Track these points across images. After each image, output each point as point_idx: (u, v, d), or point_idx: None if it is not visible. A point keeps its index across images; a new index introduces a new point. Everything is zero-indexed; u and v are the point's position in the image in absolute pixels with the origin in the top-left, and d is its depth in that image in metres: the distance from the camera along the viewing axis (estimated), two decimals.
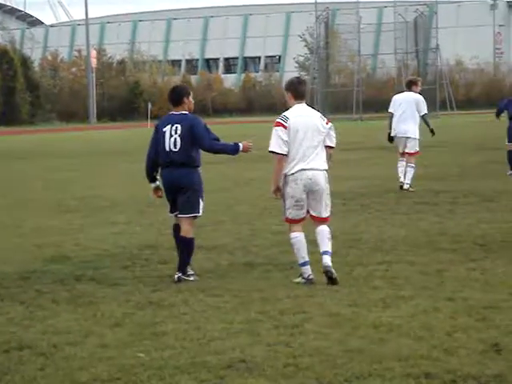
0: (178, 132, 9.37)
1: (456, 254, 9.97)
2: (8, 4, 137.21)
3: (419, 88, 17.68)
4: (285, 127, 9.01)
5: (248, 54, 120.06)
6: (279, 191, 9.14)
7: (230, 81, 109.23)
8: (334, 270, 8.70)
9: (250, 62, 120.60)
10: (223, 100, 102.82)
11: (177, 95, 9.66)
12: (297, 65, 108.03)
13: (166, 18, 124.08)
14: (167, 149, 9.38)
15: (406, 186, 16.90)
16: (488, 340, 6.35)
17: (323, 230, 9.03)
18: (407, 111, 17.31)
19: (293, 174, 8.99)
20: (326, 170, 9.18)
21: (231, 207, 15.16)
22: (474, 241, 10.74)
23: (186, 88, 9.94)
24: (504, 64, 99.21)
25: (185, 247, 9.32)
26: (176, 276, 9.05)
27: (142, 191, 18.56)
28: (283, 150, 8.97)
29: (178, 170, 9.33)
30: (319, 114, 9.40)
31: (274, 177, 9.17)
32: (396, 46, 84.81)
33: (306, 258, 8.95)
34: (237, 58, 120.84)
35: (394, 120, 17.50)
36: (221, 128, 57.95)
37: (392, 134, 17.70)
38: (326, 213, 9.13)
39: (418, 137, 17.54)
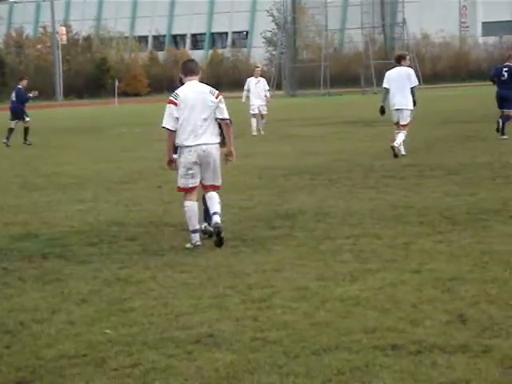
0: None
1: (423, 226, 10.04)
2: None
3: (408, 62, 18.84)
4: (175, 104, 9.58)
5: (215, 29, 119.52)
6: (173, 163, 9.78)
7: (198, 57, 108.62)
8: (222, 229, 9.40)
9: (217, 38, 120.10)
10: None
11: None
12: (264, 40, 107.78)
13: None
14: None
15: (395, 144, 18.03)
16: (453, 311, 6.41)
17: (214, 195, 9.77)
18: (400, 85, 18.25)
19: (186, 146, 9.59)
20: (217, 143, 9.73)
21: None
22: (441, 213, 10.82)
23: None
24: (470, 38, 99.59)
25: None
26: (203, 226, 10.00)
27: (108, 168, 18.49)
28: (174, 126, 9.57)
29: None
30: (209, 88, 9.77)
31: (166, 151, 9.82)
32: (363, 20, 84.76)
33: (197, 226, 9.65)
34: (204, 34, 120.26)
35: (390, 94, 18.51)
36: None
37: (390, 108, 18.65)
38: (217, 182, 9.87)
39: (411, 108, 18.53)
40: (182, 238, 10.00)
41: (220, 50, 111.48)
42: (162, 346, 5.87)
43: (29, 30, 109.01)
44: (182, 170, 9.69)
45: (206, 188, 9.83)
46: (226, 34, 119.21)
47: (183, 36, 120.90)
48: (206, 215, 10.05)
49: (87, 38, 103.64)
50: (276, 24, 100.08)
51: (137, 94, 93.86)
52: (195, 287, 7.57)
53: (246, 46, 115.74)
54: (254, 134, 28.47)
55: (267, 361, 5.51)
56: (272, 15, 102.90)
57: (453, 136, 23.07)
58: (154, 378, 5.30)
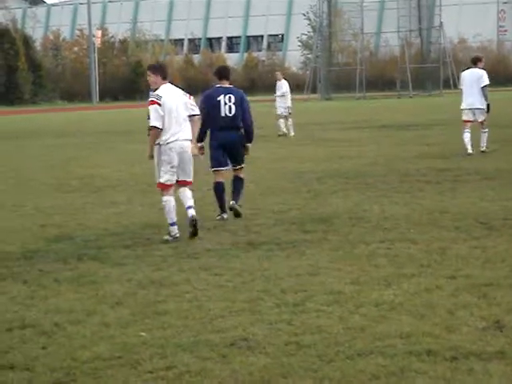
0: (232, 101, 11.78)
1: (458, 231, 9.96)
2: None
3: (483, 64, 19.61)
4: (159, 104, 10.46)
5: (251, 32, 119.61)
6: (152, 158, 10.71)
7: (233, 60, 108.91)
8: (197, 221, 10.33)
9: (252, 41, 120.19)
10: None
11: (228, 71, 12.27)
12: (300, 44, 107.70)
13: None
14: (222, 114, 11.75)
15: (483, 149, 19.22)
16: (489, 317, 6.35)
17: (187, 190, 10.67)
18: (474, 85, 19.06)
19: (168, 143, 10.46)
20: (190, 139, 10.73)
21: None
22: (476, 219, 10.73)
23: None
24: (508, 42, 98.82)
25: (240, 184, 12.11)
26: (231, 202, 11.76)
27: (143, 171, 18.56)
28: (161, 125, 10.45)
29: (232, 132, 11.83)
30: (182, 91, 10.88)
31: (149, 147, 10.68)
32: (399, 24, 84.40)
33: (174, 219, 10.45)
34: (239, 37, 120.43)
35: (463, 94, 19.37)
36: None
37: (461, 107, 19.45)
38: (191, 178, 10.78)
39: (483, 107, 19.23)
40: (216, 240, 10.01)
41: (255, 53, 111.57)
42: (196, 349, 5.87)
43: (66, 33, 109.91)
44: (166, 167, 10.48)
45: (180, 183, 10.65)
46: (262, 37, 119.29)
47: (219, 39, 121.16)
48: (236, 194, 11.94)
49: (123, 41, 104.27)
50: (312, 27, 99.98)
51: None
52: (229, 290, 7.56)
53: (281, 50, 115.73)
54: (280, 133, 29.42)
55: (301, 365, 5.49)
56: (308, 18, 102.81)
57: (489, 140, 22.86)
58: (189, 381, 5.31)
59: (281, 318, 6.57)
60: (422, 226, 10.40)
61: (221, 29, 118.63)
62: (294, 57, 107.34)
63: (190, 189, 10.76)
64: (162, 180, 10.55)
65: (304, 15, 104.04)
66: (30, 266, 8.90)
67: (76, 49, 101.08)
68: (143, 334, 6.27)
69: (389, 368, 5.35)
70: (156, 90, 10.61)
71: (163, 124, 10.43)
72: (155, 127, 10.45)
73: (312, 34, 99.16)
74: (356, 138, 26.22)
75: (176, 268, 8.56)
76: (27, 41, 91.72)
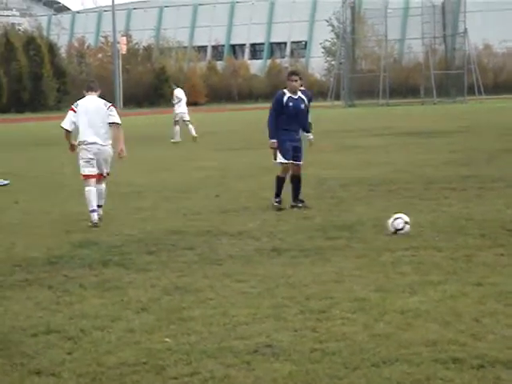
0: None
1: (484, 239, 9.91)
2: None
3: None
4: (74, 111, 12.61)
5: (274, 39, 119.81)
6: (74, 148, 12.73)
7: (256, 67, 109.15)
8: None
9: (275, 48, 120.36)
10: (249, 86, 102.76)
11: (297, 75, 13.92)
12: (323, 50, 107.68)
13: (192, 3, 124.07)
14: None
15: None
16: None
17: (103, 188, 12.70)
18: None
19: (88, 143, 12.44)
20: (107, 144, 12.54)
21: (257, 193, 15.15)
22: (502, 226, 10.66)
23: None
24: None
25: (299, 183, 13.39)
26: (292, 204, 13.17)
27: (167, 177, 18.62)
28: (70, 127, 12.56)
29: (297, 133, 13.63)
30: (103, 101, 12.72)
31: (67, 141, 12.76)
32: (423, 30, 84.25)
33: (95, 207, 12.24)
34: (263, 44, 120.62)
35: None
36: (246, 114, 58.19)
37: None
38: (106, 170, 12.70)
39: None
40: (240, 247, 10.01)
41: (278, 60, 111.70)
42: (220, 356, 5.87)
43: (90, 40, 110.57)
44: (83, 161, 12.58)
45: (99, 177, 12.68)
46: (285, 43, 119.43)
47: (242, 46, 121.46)
48: (297, 194, 13.42)
49: (147, 48, 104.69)
50: (335, 34, 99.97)
51: (195, 103, 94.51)
52: (253, 297, 7.56)
53: (304, 56, 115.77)
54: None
55: (326, 372, 5.47)
56: (331, 25, 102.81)
57: None
58: None
59: (305, 325, 6.56)
60: (447, 234, 10.35)
61: (244, 35, 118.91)
62: (317, 63, 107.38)
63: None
64: (82, 172, 12.56)
65: (327, 22, 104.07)
66: (56, 271, 8.94)
67: (100, 55, 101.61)
68: (168, 339, 6.27)
69: (414, 376, 5.32)
70: None
71: (79, 126, 12.46)
72: (63, 128, 12.62)
73: (335, 40, 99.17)
74: (380, 145, 26.16)
75: (200, 274, 8.56)
76: (52, 48, 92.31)
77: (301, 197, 13.45)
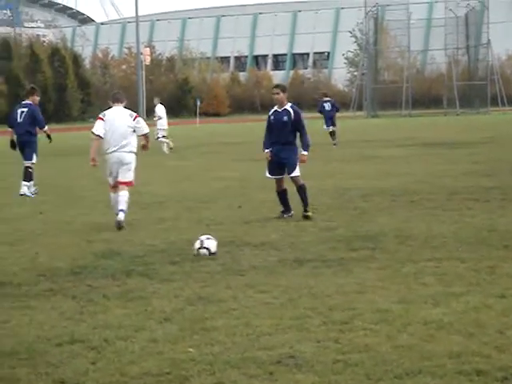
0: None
1: (507, 250, 9.86)
2: (59, 2, 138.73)
3: None
4: (103, 119, 13.16)
5: (297, 50, 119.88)
6: (94, 161, 13.19)
7: (279, 77, 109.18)
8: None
9: (298, 59, 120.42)
10: (271, 97, 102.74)
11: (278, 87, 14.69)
12: (346, 61, 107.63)
13: (215, 15, 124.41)
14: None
15: None
16: None
17: (125, 194, 12.99)
18: None
19: (109, 153, 13.09)
20: (130, 151, 13.13)
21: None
22: None
23: None
24: None
25: (302, 193, 13.41)
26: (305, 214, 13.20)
27: (190, 188, 18.67)
28: (102, 133, 13.06)
29: (284, 146, 13.51)
30: (129, 111, 13.27)
31: (91, 152, 13.19)
32: (446, 41, 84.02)
33: (117, 211, 12.82)
34: (285, 55, 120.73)
35: None
36: None
37: None
38: (127, 178, 13.14)
39: None
40: (263, 258, 10.02)
41: (301, 71, 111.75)
42: (243, 366, 5.89)
43: (114, 51, 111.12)
44: (107, 171, 13.31)
45: (120, 184, 13.16)
46: (308, 54, 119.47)
47: (265, 57, 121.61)
48: (305, 202, 13.40)
49: (170, 59, 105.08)
50: (358, 45, 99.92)
51: (218, 114, 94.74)
52: (276, 307, 7.57)
53: (327, 67, 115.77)
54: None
55: (349, 383, 5.47)
56: (354, 36, 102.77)
57: None
58: None
59: (328, 336, 6.56)
60: (470, 245, 10.32)
61: (267, 46, 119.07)
62: (339, 74, 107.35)
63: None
64: (108, 181, 13.36)
65: (350, 33, 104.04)
66: (79, 281, 8.99)
67: (124, 66, 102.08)
68: (191, 350, 6.29)
69: None
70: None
71: (106, 136, 13.08)
72: (94, 134, 13.18)
73: (358, 51, 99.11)
74: (402, 156, 26.11)
75: (223, 285, 8.58)
76: (77, 59, 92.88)
77: (319, 207, 13.53)
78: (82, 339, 6.68)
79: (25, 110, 18.39)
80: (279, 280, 8.71)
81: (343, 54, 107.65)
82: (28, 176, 18.24)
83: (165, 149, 32.52)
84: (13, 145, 18.62)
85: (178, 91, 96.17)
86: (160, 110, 33.68)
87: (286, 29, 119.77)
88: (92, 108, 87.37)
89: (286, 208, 13.56)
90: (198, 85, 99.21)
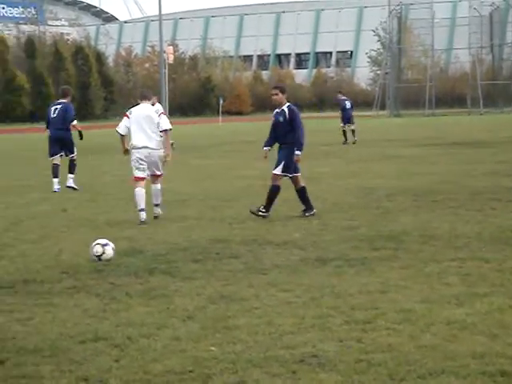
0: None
1: None
2: (83, 0, 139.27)
3: None
4: (128, 117, 13.66)
5: (319, 49, 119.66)
6: (128, 152, 13.82)
7: (302, 76, 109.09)
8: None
9: (321, 58, 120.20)
10: (294, 95, 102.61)
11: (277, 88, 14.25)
12: (369, 60, 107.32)
13: (238, 13, 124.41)
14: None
15: None
16: None
17: (157, 187, 13.83)
18: None
19: (139, 148, 13.47)
20: (158, 148, 13.61)
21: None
22: None
23: None
24: None
25: (272, 192, 13.57)
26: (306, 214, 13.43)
27: (210, 186, 18.69)
28: (124, 131, 13.72)
29: (282, 145, 13.69)
30: (155, 108, 14.37)
31: (122, 145, 14.01)
32: (470, 40, 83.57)
33: (142, 206, 13.24)
34: (308, 54, 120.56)
35: None
36: None
37: None
38: (159, 172, 13.82)
39: None
40: (285, 256, 10.02)
41: (324, 70, 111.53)
42: (266, 365, 5.88)
43: (137, 49, 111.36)
44: (134, 164, 13.62)
45: (152, 177, 13.85)
46: (331, 53, 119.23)
47: (287, 55, 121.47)
48: (307, 203, 13.58)
49: (193, 57, 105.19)
50: (381, 44, 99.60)
51: (240, 113, 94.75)
52: (298, 306, 7.56)
53: (350, 66, 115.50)
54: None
55: (372, 383, 5.46)
56: (378, 35, 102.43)
57: None
58: None
59: (351, 336, 6.54)
60: (493, 245, 10.27)
61: (290, 45, 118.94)
62: (362, 73, 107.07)
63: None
64: (134, 174, 13.59)
65: (373, 31, 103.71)
66: (102, 279, 9.03)
67: (147, 65, 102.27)
68: (214, 348, 6.30)
69: None
70: None
71: (133, 132, 13.51)
72: (118, 132, 13.88)
73: (381, 50, 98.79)
74: (425, 155, 26.01)
75: (245, 283, 8.59)
76: (100, 57, 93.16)
77: (342, 206, 13.50)
78: (105, 337, 6.70)
79: (59, 106, 19.32)
80: (302, 279, 8.70)
81: (366, 53, 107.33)
82: (73, 168, 19.24)
83: None
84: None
85: (200, 90, 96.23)
86: (159, 109, 33.99)
87: (309, 27, 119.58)
88: (115, 106, 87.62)
89: (307, 206, 13.53)
90: (221, 83, 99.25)
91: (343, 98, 35.46)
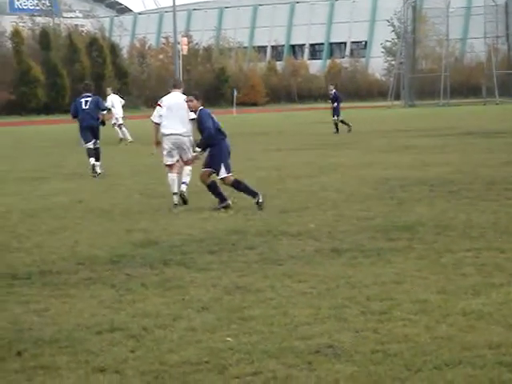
0: None
1: None
2: None
3: None
4: (160, 106, 14.40)
5: (334, 39, 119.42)
6: (159, 145, 14.56)
7: (316, 67, 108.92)
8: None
9: (335, 48, 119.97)
10: (308, 86, 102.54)
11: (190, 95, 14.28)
12: (383, 50, 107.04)
13: (252, 4, 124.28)
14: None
15: None
16: None
17: (187, 168, 14.48)
18: None
19: (166, 135, 14.25)
20: (188, 135, 14.30)
21: (316, 193, 15.13)
22: None
23: None
24: None
25: (211, 188, 13.73)
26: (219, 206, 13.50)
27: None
28: (158, 120, 14.37)
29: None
30: (184, 97, 14.07)
31: (154, 137, 14.74)
32: (486, 29, 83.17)
33: (175, 190, 14.09)
34: (322, 44, 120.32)
35: None
36: (305, 114, 58.17)
37: None
38: (189, 157, 14.37)
39: None
40: (300, 247, 10.01)
41: (338, 60, 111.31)
42: (282, 356, 5.89)
43: (151, 41, 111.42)
44: (165, 152, 14.49)
45: (183, 162, 14.55)
46: (345, 43, 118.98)
47: (302, 46, 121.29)
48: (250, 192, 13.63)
49: (207, 48, 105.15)
50: (396, 34, 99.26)
51: (255, 104, 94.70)
52: (314, 297, 7.56)
53: (364, 56, 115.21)
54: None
55: (388, 374, 5.45)
56: (392, 25, 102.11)
57: None
58: None
59: (366, 326, 6.54)
60: (509, 235, 10.23)
61: (304, 36, 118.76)
62: (377, 63, 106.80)
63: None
64: (164, 161, 14.47)
65: (388, 22, 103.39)
66: (118, 270, 9.05)
67: (161, 56, 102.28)
68: (229, 339, 6.31)
69: (478, 378, 5.27)
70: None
71: (164, 119, 14.21)
72: (153, 122, 14.56)
73: (396, 40, 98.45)
74: (440, 145, 25.92)
75: (260, 274, 8.59)
76: (114, 49, 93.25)
77: (357, 196, 13.42)
78: (121, 327, 6.72)
79: (88, 99, 20.58)
80: (317, 270, 8.70)
81: (381, 43, 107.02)
82: (99, 155, 20.42)
83: (120, 135, 34.03)
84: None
85: (215, 81, 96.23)
86: (112, 99, 35.27)
87: (323, 18, 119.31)
88: (129, 97, 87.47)
89: (221, 198, 13.67)
90: (235, 74, 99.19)
91: (336, 90, 38.02)
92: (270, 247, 10.09)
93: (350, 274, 8.40)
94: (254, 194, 13.44)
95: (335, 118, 36.47)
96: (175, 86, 14.73)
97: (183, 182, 14.28)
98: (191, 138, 14.36)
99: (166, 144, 14.31)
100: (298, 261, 9.25)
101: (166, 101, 14.41)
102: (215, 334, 6.46)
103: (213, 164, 13.63)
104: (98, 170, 20.06)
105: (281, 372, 5.57)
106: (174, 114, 14.16)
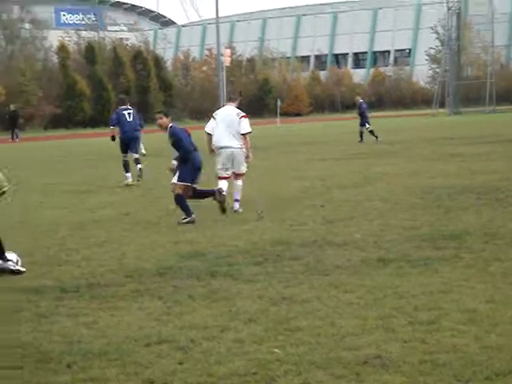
0: None
1: None
2: (142, 6, 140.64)
3: None
4: (214, 118, 14.95)
5: (377, 48, 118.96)
6: (214, 152, 14.96)
7: (360, 75, 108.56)
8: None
9: (379, 56, 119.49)
10: (352, 95, 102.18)
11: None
12: (428, 58, 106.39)
13: (295, 14, 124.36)
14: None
15: None
16: None
17: (239, 184, 14.92)
18: None
19: (219, 147, 14.80)
20: (240, 147, 14.76)
21: (361, 203, 15.09)
22: None
23: None
24: None
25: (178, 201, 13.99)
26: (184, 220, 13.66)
27: (271, 188, 18.71)
28: (210, 131, 14.90)
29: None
30: (237, 111, 14.81)
31: (207, 146, 15.14)
32: None
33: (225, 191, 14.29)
34: (366, 53, 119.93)
35: None
36: (349, 123, 57.90)
37: None
38: (242, 170, 15.00)
39: None
40: (346, 257, 9.98)
41: (382, 69, 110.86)
42: (329, 367, 5.88)
43: (195, 53, 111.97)
44: (218, 165, 15.07)
45: (235, 175, 15.12)
46: (388, 52, 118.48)
47: (345, 55, 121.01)
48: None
49: (250, 59, 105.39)
50: (440, 41, 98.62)
51: (298, 114, 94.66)
52: (360, 307, 7.54)
53: (408, 64, 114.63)
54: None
55: None
56: (436, 32, 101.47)
57: None
58: None
59: (414, 336, 6.50)
60: None
61: (347, 45, 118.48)
62: (421, 71, 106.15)
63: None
64: (217, 173, 14.98)
65: (432, 29, 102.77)
66: (165, 282, 9.10)
67: (205, 68, 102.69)
68: (277, 350, 6.31)
69: None
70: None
71: (217, 133, 14.80)
72: (206, 132, 15.11)
73: (440, 47, 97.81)
74: (487, 153, 25.69)
75: (306, 285, 8.59)
76: (159, 61, 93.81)
77: (402, 205, 13.31)
78: (169, 339, 6.76)
79: (131, 111, 21.95)
80: (363, 280, 8.67)
81: (425, 51, 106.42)
82: (139, 161, 21.98)
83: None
84: (113, 139, 22.63)
85: (258, 92, 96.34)
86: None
87: (366, 27, 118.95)
88: (174, 110, 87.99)
89: (186, 212, 13.81)
90: (279, 84, 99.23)
91: (361, 99, 37.94)
92: (316, 257, 10.08)
93: (396, 284, 8.36)
94: (187, 213, 13.70)
95: (365, 127, 36.71)
96: (230, 100, 15.32)
97: (236, 200, 14.67)
98: (244, 150, 14.79)
99: (220, 157, 14.82)
100: (344, 271, 9.23)
101: (219, 114, 14.95)
102: (262, 346, 6.47)
103: (186, 175, 13.92)
104: (141, 166, 21.65)
105: (329, 383, 5.56)
106: (226, 127, 14.67)
